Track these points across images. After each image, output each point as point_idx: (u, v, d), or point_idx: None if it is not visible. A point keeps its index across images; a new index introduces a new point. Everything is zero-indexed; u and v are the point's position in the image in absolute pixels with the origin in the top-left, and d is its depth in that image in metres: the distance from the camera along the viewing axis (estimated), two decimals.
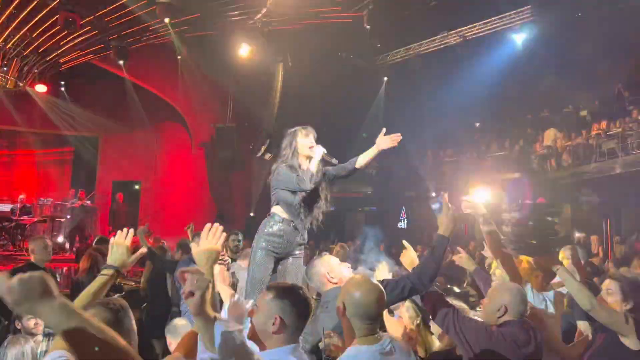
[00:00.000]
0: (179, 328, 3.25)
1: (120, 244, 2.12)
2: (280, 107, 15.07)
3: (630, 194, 14.56)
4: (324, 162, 3.58)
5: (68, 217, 12.67)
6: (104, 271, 2.09)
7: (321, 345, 2.29)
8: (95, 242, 5.85)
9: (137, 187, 15.33)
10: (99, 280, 2.05)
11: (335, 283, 2.89)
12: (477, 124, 18.85)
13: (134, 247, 2.24)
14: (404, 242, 2.88)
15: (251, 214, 15.01)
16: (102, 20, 9.90)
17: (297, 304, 1.86)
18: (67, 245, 12.34)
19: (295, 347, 1.86)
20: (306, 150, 3.53)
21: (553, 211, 2.55)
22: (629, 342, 2.61)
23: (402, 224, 17.96)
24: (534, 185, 14.62)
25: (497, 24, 13.08)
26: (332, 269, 2.87)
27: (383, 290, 2.09)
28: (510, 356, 2.36)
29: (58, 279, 8.81)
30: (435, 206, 2.59)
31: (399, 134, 3.47)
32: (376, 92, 16.26)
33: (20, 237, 11.74)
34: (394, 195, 17.30)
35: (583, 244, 12.41)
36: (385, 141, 3.51)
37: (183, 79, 13.38)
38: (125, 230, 2.16)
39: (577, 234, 12.33)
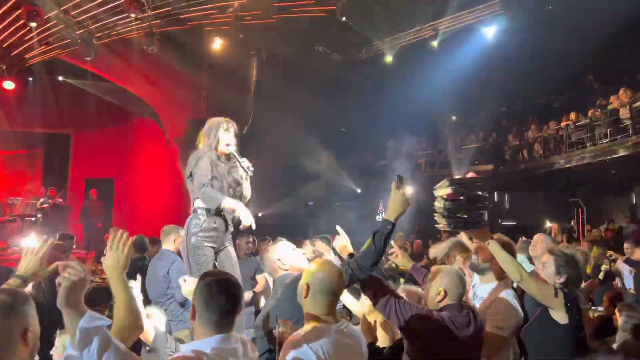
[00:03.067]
0: None
1: (31, 255, 2.07)
2: (256, 102, 15.00)
3: (600, 183, 14.89)
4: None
5: (39, 216, 12.45)
6: (10, 280, 2.03)
7: (275, 333, 2.29)
8: (58, 238, 5.76)
9: (110, 184, 15.11)
10: None
11: (286, 270, 2.88)
12: (454, 117, 19.03)
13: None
14: (337, 227, 2.85)
15: None
16: (68, 14, 9.67)
17: (208, 292, 1.80)
18: None
19: (221, 338, 1.77)
20: (223, 147, 3.47)
21: (483, 186, 2.58)
22: (557, 315, 2.63)
23: (380, 217, 18.03)
24: (508, 176, 14.86)
25: (469, 17, 13.17)
26: (284, 256, 2.85)
27: (342, 271, 2.16)
28: (450, 339, 2.40)
29: None
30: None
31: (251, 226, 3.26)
32: (353, 86, 16.28)
33: None
34: (371, 188, 17.38)
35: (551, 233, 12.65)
36: (246, 218, 3.27)
37: (155, 73, 13.20)
38: (41, 240, 2.11)
39: (548, 224, 12.53)
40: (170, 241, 4.51)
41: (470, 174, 2.91)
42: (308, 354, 1.88)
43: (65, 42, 10.98)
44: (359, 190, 17.54)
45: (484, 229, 2.66)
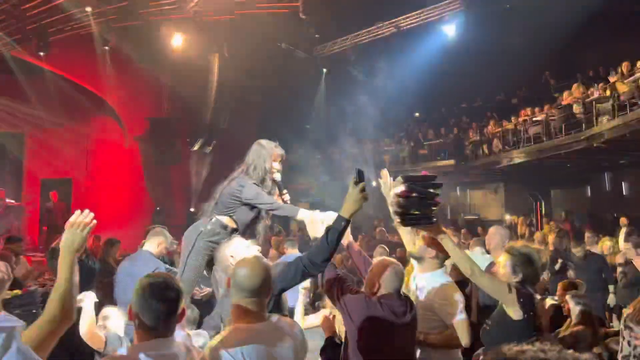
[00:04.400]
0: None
1: None
2: (217, 99, 14.79)
3: (556, 177, 15.39)
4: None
5: None
6: None
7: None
8: (5, 241, 5.53)
9: (67, 184, 14.59)
10: None
11: None
12: (417, 114, 19.32)
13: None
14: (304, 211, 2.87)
15: (191, 209, 14.70)
16: (19, 8, 9.29)
17: (143, 295, 1.73)
18: None
19: (157, 342, 1.70)
20: (273, 174, 3.54)
21: (435, 183, 2.62)
22: (511, 311, 2.66)
23: None
24: (469, 171, 15.18)
25: (430, 15, 13.35)
26: (236, 252, 2.77)
27: (269, 268, 2.04)
28: (388, 325, 2.50)
29: None
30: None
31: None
32: (316, 83, 16.26)
33: None
34: (336, 185, 17.42)
35: (514, 226, 13.03)
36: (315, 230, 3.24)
37: (113, 70, 12.84)
38: None
39: (508, 217, 12.90)
40: (154, 244, 4.30)
41: (423, 172, 2.91)
42: None
43: (16, 37, 10.55)
44: (322, 187, 17.56)
45: (437, 225, 2.69)
